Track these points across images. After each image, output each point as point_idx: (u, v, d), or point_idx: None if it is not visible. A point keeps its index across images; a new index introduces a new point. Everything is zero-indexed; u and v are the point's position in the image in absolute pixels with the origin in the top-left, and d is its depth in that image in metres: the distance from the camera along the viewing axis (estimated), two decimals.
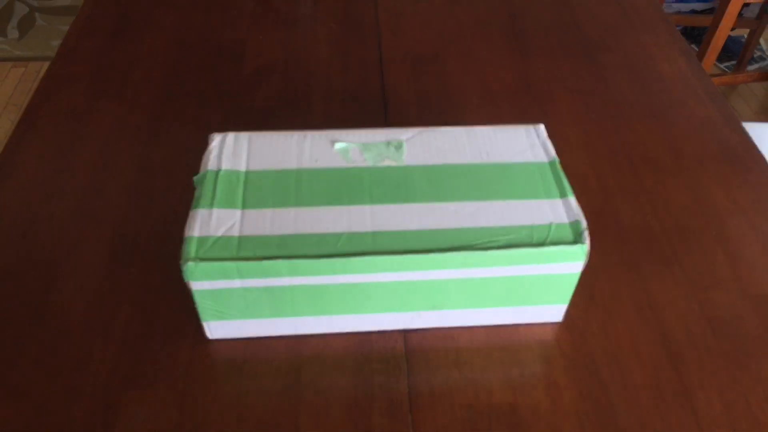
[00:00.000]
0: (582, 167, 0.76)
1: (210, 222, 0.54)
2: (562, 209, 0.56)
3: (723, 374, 0.57)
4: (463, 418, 0.53)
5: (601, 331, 0.60)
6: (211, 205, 0.55)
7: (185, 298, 0.61)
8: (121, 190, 0.71)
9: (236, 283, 0.52)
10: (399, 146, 0.61)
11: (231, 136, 0.61)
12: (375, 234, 0.53)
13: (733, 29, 1.71)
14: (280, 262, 0.51)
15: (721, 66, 2.13)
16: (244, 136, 0.61)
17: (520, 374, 0.56)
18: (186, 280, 0.52)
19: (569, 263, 0.54)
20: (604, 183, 0.74)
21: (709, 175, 0.76)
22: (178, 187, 0.72)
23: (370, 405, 0.54)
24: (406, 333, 0.59)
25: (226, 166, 0.58)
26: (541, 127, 0.64)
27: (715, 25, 1.60)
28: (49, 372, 0.55)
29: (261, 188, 0.57)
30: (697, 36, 2.19)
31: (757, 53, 2.17)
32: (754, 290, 0.64)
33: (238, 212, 0.55)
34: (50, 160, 0.75)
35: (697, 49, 2.04)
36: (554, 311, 0.59)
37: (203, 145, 0.61)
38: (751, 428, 0.53)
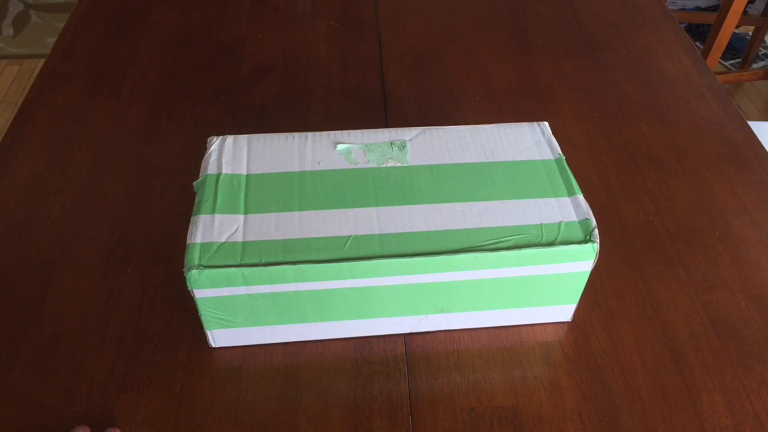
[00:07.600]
0: (584, 167, 0.75)
1: (212, 228, 0.52)
2: (570, 207, 0.55)
3: (727, 376, 0.56)
4: (464, 420, 0.53)
5: (604, 333, 0.59)
6: (212, 211, 0.54)
7: (183, 299, 0.60)
8: (118, 189, 0.71)
9: (241, 290, 0.51)
10: (402, 146, 0.60)
11: (230, 138, 0.60)
12: (382, 237, 0.52)
13: (737, 27, 1.69)
14: (286, 267, 0.50)
15: (726, 64, 2.11)
16: (243, 139, 0.60)
17: (522, 376, 0.56)
18: (189, 289, 0.51)
19: (579, 262, 0.53)
20: (607, 183, 0.73)
21: (713, 175, 0.75)
22: (176, 186, 0.71)
23: (370, 408, 0.53)
24: (406, 335, 0.59)
25: (226, 170, 0.57)
26: (546, 123, 0.63)
27: (720, 22, 1.59)
28: (45, 373, 0.55)
29: (263, 192, 0.56)
30: (701, 33, 2.18)
31: (762, 51, 2.16)
32: (758, 291, 0.63)
33: (240, 217, 0.53)
34: (46, 159, 0.74)
35: (701, 47, 2.03)
36: (563, 311, 0.58)
37: (201, 144, 0.61)
38: (756, 431, 0.53)
